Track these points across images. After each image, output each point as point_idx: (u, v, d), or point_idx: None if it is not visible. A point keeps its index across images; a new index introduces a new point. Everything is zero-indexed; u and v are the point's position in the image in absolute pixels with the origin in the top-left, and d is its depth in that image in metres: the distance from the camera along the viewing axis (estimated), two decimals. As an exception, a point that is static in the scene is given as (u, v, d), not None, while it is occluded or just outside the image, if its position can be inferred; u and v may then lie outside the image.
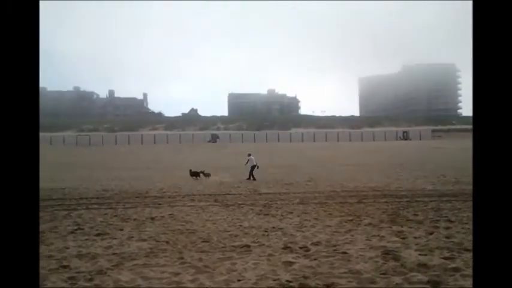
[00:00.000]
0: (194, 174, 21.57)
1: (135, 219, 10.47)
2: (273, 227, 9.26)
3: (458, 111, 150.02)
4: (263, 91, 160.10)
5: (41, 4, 3.99)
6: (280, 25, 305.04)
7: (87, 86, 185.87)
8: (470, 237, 7.07)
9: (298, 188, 16.61)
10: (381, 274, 5.96)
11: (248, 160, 21.29)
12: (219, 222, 10.02)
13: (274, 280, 5.75)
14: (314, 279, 5.77)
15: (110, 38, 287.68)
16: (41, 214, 11.33)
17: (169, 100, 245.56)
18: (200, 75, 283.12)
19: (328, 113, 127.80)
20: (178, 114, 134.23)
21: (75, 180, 21.05)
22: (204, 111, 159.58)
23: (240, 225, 9.55)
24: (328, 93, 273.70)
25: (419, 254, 6.88)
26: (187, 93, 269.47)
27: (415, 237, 8.10)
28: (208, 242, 8.06)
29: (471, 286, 3.78)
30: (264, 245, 7.72)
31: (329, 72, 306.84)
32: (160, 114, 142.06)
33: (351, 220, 9.94)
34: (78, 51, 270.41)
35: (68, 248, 7.70)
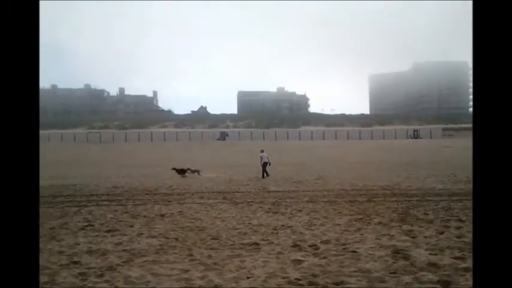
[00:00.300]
0: (180, 171, 21.27)
1: (144, 216, 10.54)
2: (282, 225, 9.24)
3: (470, 109, 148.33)
4: (272, 89, 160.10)
5: (44, 4, 3.99)
6: (291, 23, 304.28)
7: (98, 84, 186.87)
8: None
9: (307, 186, 16.57)
10: (390, 273, 5.92)
11: (261, 157, 21.17)
12: (228, 219, 10.03)
13: (283, 278, 5.75)
14: (323, 278, 5.74)
15: (121, 37, 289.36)
16: (51, 210, 11.50)
17: (179, 98, 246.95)
18: (210, 73, 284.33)
19: (338, 111, 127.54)
20: (188, 112, 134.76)
21: (86, 177, 21.25)
22: (213, 109, 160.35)
23: (249, 223, 9.55)
24: (338, 92, 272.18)
25: (430, 254, 6.82)
26: (197, 91, 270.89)
27: (426, 237, 8.03)
28: (217, 239, 8.08)
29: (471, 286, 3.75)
30: (273, 243, 7.72)
31: (339, 70, 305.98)
32: (170, 112, 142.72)
33: (361, 219, 9.89)
34: (89, 50, 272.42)
35: (78, 244, 7.77)
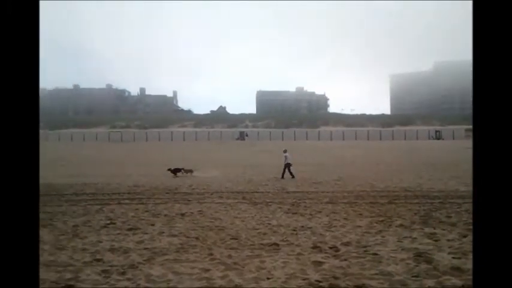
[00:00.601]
0: (174, 171, 21.53)
1: (165, 215, 10.66)
2: (302, 226, 9.21)
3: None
4: (292, 89, 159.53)
5: (45, 4, 4.01)
6: (310, 23, 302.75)
7: (119, 84, 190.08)
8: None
9: (326, 187, 16.46)
10: (412, 276, 5.84)
11: (285, 157, 21.05)
12: (247, 219, 10.05)
13: (304, 280, 5.73)
14: (344, 280, 5.71)
15: (142, 37, 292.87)
16: (74, 208, 11.75)
17: (198, 98, 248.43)
18: (229, 73, 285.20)
19: (358, 111, 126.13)
20: (207, 111, 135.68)
21: (108, 176, 21.60)
22: (232, 109, 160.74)
23: (269, 224, 9.55)
24: (358, 91, 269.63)
25: (453, 257, 6.69)
26: (216, 91, 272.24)
27: (448, 240, 7.89)
28: (237, 239, 8.11)
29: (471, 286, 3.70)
30: (292, 244, 7.70)
31: (359, 69, 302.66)
32: (189, 111, 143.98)
33: (382, 221, 9.77)
34: (111, 50, 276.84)
35: (101, 242, 7.92)
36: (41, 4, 3.62)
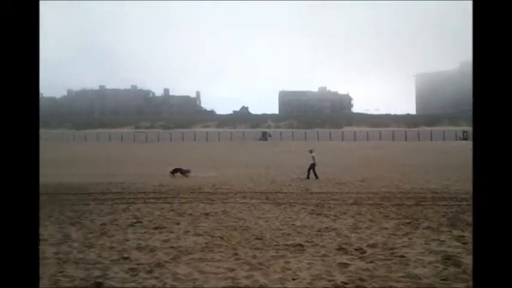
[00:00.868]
0: (174, 171, 21.83)
1: (190, 214, 10.76)
2: (326, 227, 9.14)
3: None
4: (314, 89, 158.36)
5: (45, 4, 3.99)
6: (332, 22, 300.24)
7: (144, 85, 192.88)
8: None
9: (351, 188, 16.29)
10: (441, 280, 5.71)
11: (313, 158, 20.91)
12: (271, 220, 10.05)
13: (329, 281, 5.68)
14: (371, 282, 5.63)
15: (166, 38, 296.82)
16: (102, 207, 11.99)
17: (221, 98, 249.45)
18: (251, 74, 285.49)
19: (383, 111, 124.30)
20: (230, 112, 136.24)
21: (133, 175, 21.99)
22: (254, 109, 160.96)
23: (293, 224, 9.52)
24: (383, 91, 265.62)
25: (484, 261, 6.51)
26: (239, 91, 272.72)
27: (478, 243, 7.67)
28: (261, 239, 8.11)
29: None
30: (317, 245, 7.65)
31: (384, 69, 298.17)
32: (212, 112, 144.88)
33: (409, 223, 9.60)
34: (135, 51, 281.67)
35: (128, 240, 8.05)
36: (66, 7, 3.62)
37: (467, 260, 6.58)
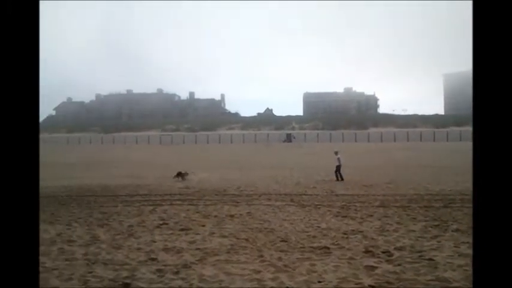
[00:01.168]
0: (178, 175, 21.25)
1: (215, 216, 10.84)
2: (353, 230, 9.03)
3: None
4: (339, 89, 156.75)
5: (45, 4, 3.97)
6: (359, 23, 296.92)
7: (169, 89, 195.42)
8: None
9: (377, 190, 16.03)
10: (471, 284, 5.55)
11: (338, 159, 20.71)
12: (296, 222, 10.00)
13: (356, 284, 5.62)
14: (398, 285, 5.54)
15: (191, 42, 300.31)
16: (129, 209, 12.21)
17: (245, 100, 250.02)
18: (276, 75, 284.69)
19: (410, 111, 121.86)
20: (254, 114, 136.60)
21: (159, 177, 22.29)
22: (279, 111, 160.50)
23: (318, 227, 9.45)
24: (410, 91, 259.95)
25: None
26: (263, 93, 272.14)
27: None
28: (286, 241, 8.09)
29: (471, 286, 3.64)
30: (343, 247, 7.57)
31: (411, 68, 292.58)
32: (236, 114, 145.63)
33: (437, 225, 9.38)
34: (162, 55, 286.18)
35: (155, 242, 8.18)
36: (91, 11, 3.61)
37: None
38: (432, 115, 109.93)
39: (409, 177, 20.80)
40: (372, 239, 8.22)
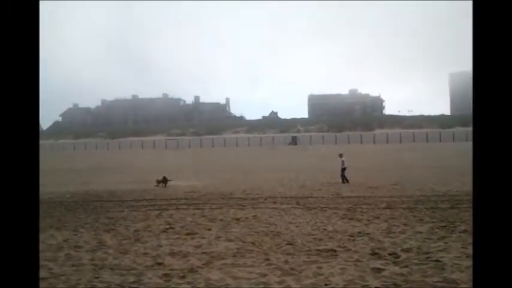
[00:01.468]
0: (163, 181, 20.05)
1: (221, 220, 10.83)
2: (359, 232, 9.00)
3: None
4: (344, 91, 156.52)
5: (45, 4, 3.95)
6: (362, 23, 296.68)
7: (174, 93, 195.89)
8: None
9: (383, 192, 15.97)
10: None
11: (342, 162, 20.66)
12: (302, 225, 9.98)
13: (363, 286, 5.58)
14: (405, 287, 5.50)
15: (195, 46, 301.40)
16: (135, 213, 12.23)
17: (250, 104, 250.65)
18: (280, 78, 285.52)
19: (416, 112, 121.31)
20: (259, 117, 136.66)
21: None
22: (284, 114, 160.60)
23: (324, 229, 9.42)
24: (416, 92, 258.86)
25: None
26: (268, 96, 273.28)
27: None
28: (292, 244, 8.07)
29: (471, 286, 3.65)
30: (350, 250, 7.53)
31: (416, 69, 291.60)
32: (241, 117, 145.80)
33: (444, 226, 9.32)
34: (166, 60, 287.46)
35: (161, 246, 8.18)
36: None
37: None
38: (438, 115, 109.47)
39: (415, 179, 20.71)
40: (379, 241, 8.18)
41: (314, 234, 8.90)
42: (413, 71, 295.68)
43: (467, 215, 10.49)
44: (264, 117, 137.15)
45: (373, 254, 7.21)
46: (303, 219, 10.77)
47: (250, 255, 7.29)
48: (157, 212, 12.45)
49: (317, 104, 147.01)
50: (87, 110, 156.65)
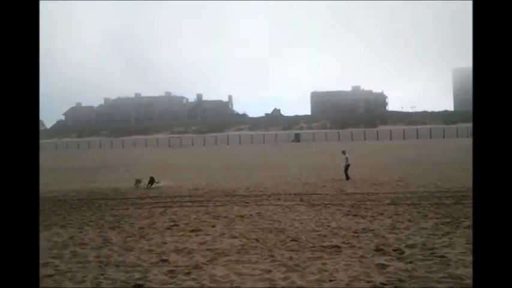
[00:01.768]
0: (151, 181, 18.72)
1: (225, 217, 10.86)
2: (363, 228, 9.00)
3: None
4: (347, 88, 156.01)
5: (44, 4, 3.95)
6: (364, 20, 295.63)
7: (177, 91, 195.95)
8: None
9: (387, 188, 15.94)
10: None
11: (346, 159, 20.63)
12: (306, 221, 9.99)
13: (368, 282, 5.60)
14: (410, 283, 5.51)
15: (196, 45, 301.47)
16: (140, 211, 12.28)
17: (252, 101, 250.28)
18: (282, 75, 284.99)
19: (419, 108, 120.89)
20: (262, 114, 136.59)
21: (169, 179, 22.38)
22: (286, 111, 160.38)
23: (328, 226, 9.43)
24: (419, 88, 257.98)
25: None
26: (270, 93, 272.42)
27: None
28: (296, 241, 8.09)
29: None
30: (354, 246, 7.54)
31: (419, 65, 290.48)
32: (244, 115, 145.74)
33: (449, 222, 9.31)
34: (169, 58, 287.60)
35: (166, 243, 8.22)
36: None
37: None
38: (441, 112, 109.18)
39: (419, 175, 20.65)
40: (383, 237, 8.18)
41: (318, 231, 8.91)
42: (417, 67, 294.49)
43: (472, 211, 10.46)
44: (266, 114, 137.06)
45: (378, 250, 7.22)
46: (307, 216, 10.79)
47: (255, 252, 7.31)
48: (162, 209, 12.49)
49: (320, 101, 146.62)
50: (90, 109, 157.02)
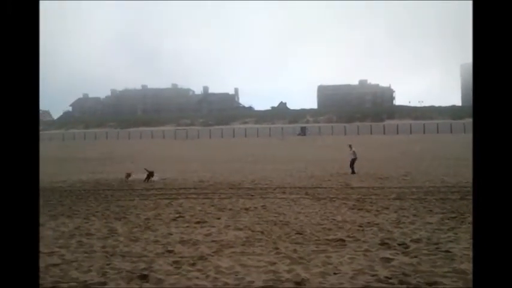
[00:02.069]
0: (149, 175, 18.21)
1: (230, 209, 10.90)
2: (368, 222, 8.99)
3: None
4: (354, 82, 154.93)
5: (44, 4, 3.91)
6: (372, 13, 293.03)
7: (184, 83, 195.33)
8: None
9: (393, 183, 15.92)
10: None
11: (353, 153, 20.61)
12: (311, 215, 9.99)
13: (372, 276, 5.59)
14: (415, 277, 5.50)
15: (204, 37, 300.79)
16: (146, 202, 12.35)
17: (259, 94, 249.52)
18: (289, 69, 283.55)
19: (426, 103, 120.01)
20: (268, 107, 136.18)
21: (174, 172, 22.51)
22: (293, 105, 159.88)
23: (333, 219, 9.43)
24: (426, 82, 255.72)
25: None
26: (277, 87, 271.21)
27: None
28: (301, 234, 8.09)
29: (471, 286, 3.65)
30: (359, 240, 7.54)
31: (427, 59, 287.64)
32: (250, 108, 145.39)
33: (454, 217, 9.28)
34: (176, 51, 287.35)
35: (171, 234, 8.26)
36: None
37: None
38: (449, 106, 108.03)
39: (425, 170, 20.58)
40: (388, 231, 8.17)
41: (323, 224, 8.91)
42: (425, 62, 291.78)
43: (478, 206, 10.42)
44: (273, 107, 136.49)
45: (383, 244, 7.21)
46: (312, 209, 10.79)
47: (260, 244, 7.33)
48: (167, 201, 12.55)
49: (326, 94, 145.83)
50: (97, 100, 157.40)
